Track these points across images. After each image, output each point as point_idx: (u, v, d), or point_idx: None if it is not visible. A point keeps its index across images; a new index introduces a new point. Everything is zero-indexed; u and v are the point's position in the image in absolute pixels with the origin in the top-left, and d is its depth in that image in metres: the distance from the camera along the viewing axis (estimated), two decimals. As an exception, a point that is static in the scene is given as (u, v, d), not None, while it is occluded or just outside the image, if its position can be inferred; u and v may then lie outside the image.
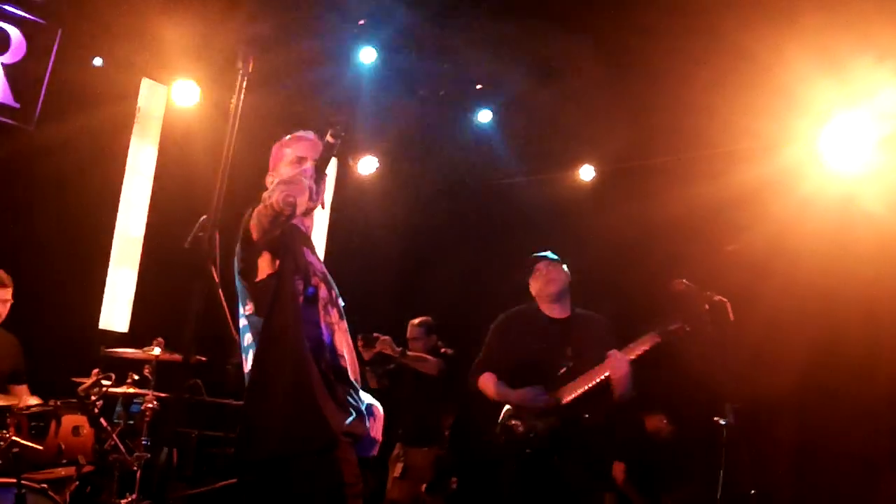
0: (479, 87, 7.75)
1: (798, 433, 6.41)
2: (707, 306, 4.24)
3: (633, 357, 4.41)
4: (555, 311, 4.76)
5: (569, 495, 4.47)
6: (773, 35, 5.65)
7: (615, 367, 4.37)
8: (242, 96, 3.12)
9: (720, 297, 4.28)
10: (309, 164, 3.17)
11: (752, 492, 4.02)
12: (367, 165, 8.45)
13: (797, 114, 6.16)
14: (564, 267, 4.80)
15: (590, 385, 4.46)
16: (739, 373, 4.93)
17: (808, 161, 6.33)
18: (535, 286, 4.79)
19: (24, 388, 5.42)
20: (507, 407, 4.60)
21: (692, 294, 4.30)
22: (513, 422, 4.54)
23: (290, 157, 3.39)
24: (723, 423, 4.24)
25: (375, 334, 5.73)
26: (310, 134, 3.42)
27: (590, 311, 4.87)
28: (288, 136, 3.48)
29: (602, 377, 4.41)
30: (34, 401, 5.24)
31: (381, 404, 3.11)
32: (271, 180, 3.32)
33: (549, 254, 4.84)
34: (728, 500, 4.46)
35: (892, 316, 5.83)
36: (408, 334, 6.35)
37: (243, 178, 6.77)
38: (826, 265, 6.10)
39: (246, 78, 3.18)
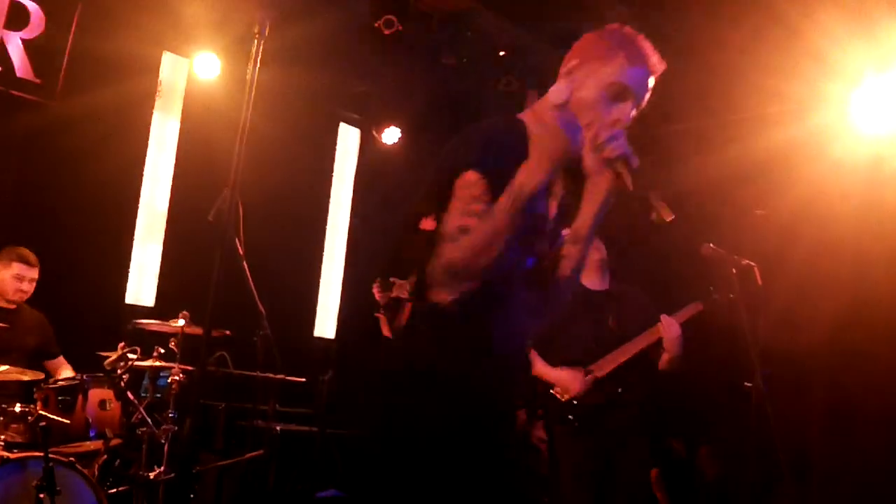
0: (502, 53, 7.64)
1: (829, 396, 6.35)
2: (735, 270, 4.21)
3: (682, 320, 4.46)
4: (595, 283, 4.78)
5: (609, 464, 4.51)
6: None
7: (668, 328, 4.42)
8: (263, 67, 3.09)
9: (748, 261, 4.24)
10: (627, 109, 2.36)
11: (781, 454, 3.98)
12: (391, 135, 8.38)
13: (828, 77, 6.04)
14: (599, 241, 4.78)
15: (636, 352, 4.50)
16: (769, 336, 4.88)
17: (838, 124, 6.22)
18: None
19: (59, 361, 5.47)
20: None
21: (720, 258, 4.27)
22: (556, 389, 4.56)
23: (604, 78, 2.34)
24: (749, 386, 4.20)
25: (392, 279, 5.63)
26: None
27: (626, 283, 4.90)
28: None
29: (652, 341, 4.46)
30: (70, 373, 5.29)
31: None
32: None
33: None
34: (758, 464, 4.42)
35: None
36: None
37: (265, 150, 6.79)
38: (856, 227, 6.04)
39: (262, 45, 3.14)
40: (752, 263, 4.23)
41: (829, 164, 6.15)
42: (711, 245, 4.34)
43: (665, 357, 4.50)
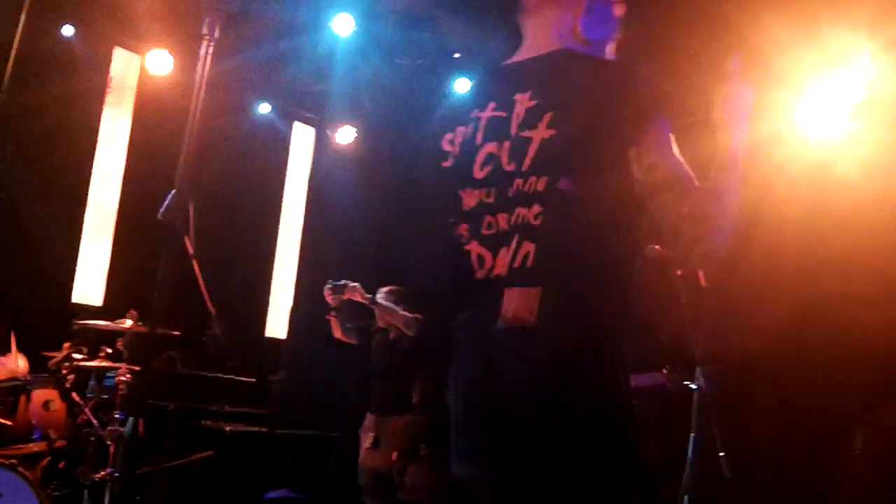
0: (457, 55, 7.67)
1: (774, 397, 6.45)
2: (679, 272, 4.26)
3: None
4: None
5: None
6: (750, 2, 5.64)
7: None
8: (215, 65, 3.07)
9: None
10: None
11: (722, 454, 4.04)
12: (346, 135, 8.37)
13: (774, 83, 6.15)
14: None
15: None
16: (713, 336, 4.95)
17: (784, 129, 6.32)
18: None
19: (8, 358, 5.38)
20: None
21: (665, 260, 4.32)
22: None
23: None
24: (693, 387, 4.25)
25: (345, 281, 5.62)
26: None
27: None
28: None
29: None
30: (23, 361, 5.20)
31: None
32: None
33: None
34: (700, 464, 4.49)
35: (864, 277, 5.87)
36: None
37: (218, 148, 6.74)
38: (802, 232, 6.13)
39: (213, 45, 3.12)
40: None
41: (775, 168, 6.25)
42: (657, 247, 4.38)
43: None
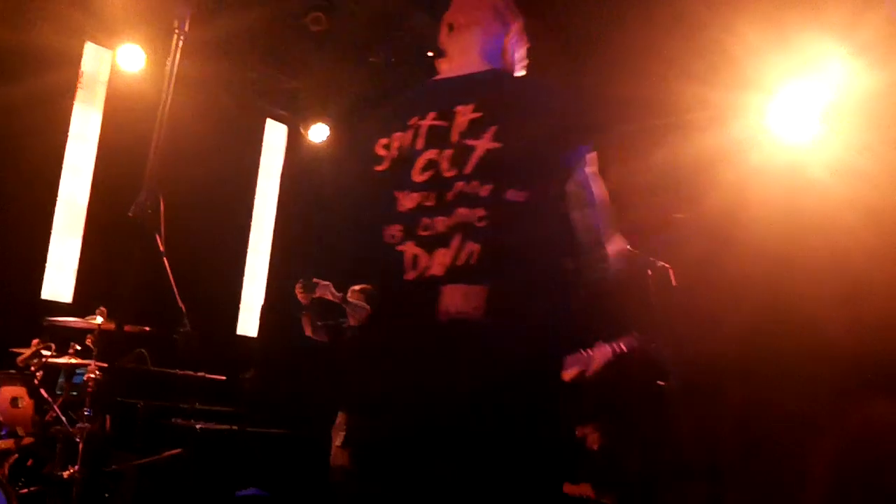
0: (430, 54, 7.66)
1: (743, 396, 6.51)
2: (650, 272, 4.29)
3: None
4: None
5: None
6: (725, 6, 5.69)
7: (594, 362, 4.41)
8: (189, 61, 3.06)
9: (663, 263, 4.32)
10: None
11: (690, 452, 4.08)
12: (319, 133, 8.34)
13: (747, 86, 6.21)
14: None
15: None
16: (682, 337, 4.98)
17: (757, 132, 6.39)
18: None
19: None
20: None
21: (635, 260, 4.34)
22: None
23: None
24: (662, 385, 4.28)
25: (315, 280, 5.62)
26: None
27: None
28: None
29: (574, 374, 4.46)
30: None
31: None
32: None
33: None
34: (668, 463, 4.52)
35: (834, 277, 5.94)
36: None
37: (190, 145, 6.70)
38: (774, 233, 6.20)
39: (183, 41, 3.11)
40: (667, 266, 4.32)
41: (748, 170, 6.31)
42: (628, 247, 4.40)
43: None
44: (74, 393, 5.03)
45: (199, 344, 5.10)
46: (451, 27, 2.43)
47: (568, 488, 5.32)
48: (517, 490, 2.03)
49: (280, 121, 8.77)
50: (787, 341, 6.15)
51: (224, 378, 5.75)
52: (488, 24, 2.43)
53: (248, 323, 8.42)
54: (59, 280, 6.87)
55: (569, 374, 4.45)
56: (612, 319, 4.70)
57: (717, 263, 6.21)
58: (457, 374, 2.05)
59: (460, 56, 2.40)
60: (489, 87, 2.28)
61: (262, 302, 8.49)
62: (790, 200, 6.22)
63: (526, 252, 2.10)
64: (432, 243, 2.12)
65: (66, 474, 4.70)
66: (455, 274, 2.07)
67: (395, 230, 2.17)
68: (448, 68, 2.41)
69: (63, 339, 5.01)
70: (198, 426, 5.80)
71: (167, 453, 5.55)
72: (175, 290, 4.82)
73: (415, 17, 7.06)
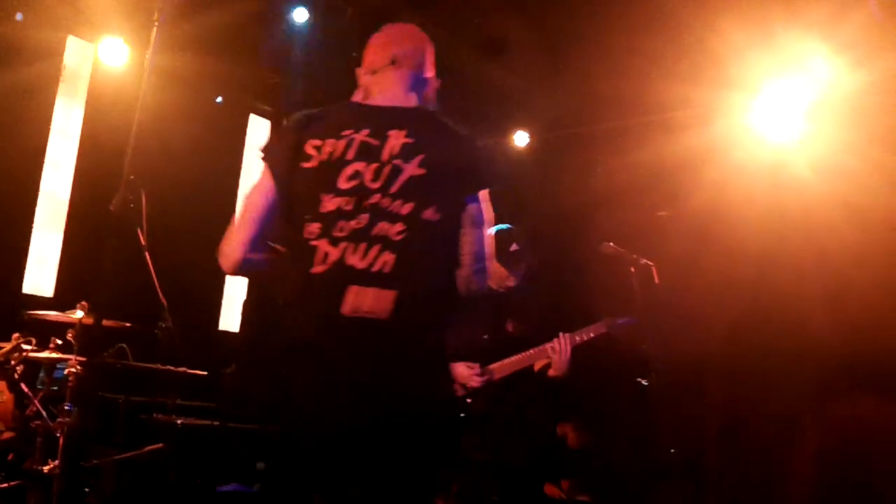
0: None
1: (726, 394, 6.54)
2: (633, 269, 4.29)
3: (577, 343, 4.45)
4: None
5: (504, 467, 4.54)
6: (708, 6, 5.70)
7: (560, 352, 4.41)
8: (172, 55, 3.04)
9: (646, 260, 4.33)
10: None
11: (672, 451, 4.08)
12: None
13: (730, 85, 6.23)
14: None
15: (525, 364, 4.51)
16: (665, 334, 4.99)
17: (740, 130, 6.42)
18: None
19: None
20: None
21: (619, 257, 4.35)
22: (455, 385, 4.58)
23: None
24: (645, 383, 4.28)
25: None
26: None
27: (530, 284, 4.88)
28: None
29: (542, 362, 4.46)
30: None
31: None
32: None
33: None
34: (651, 461, 4.53)
35: (816, 276, 5.98)
36: None
37: (173, 139, 6.66)
38: (758, 231, 6.23)
39: (162, 33, 3.10)
40: (651, 263, 4.33)
41: (732, 169, 6.33)
42: (611, 244, 4.41)
43: (551, 371, 4.50)
44: (55, 388, 5.00)
45: (180, 339, 5.11)
46: (393, 61, 2.66)
47: (548, 488, 5.34)
48: (408, 473, 2.37)
49: (263, 116, 8.73)
50: (770, 339, 6.18)
51: (206, 373, 5.71)
52: (423, 67, 2.71)
53: (230, 318, 8.38)
54: (41, 274, 6.82)
55: (537, 365, 4.49)
56: (581, 309, 4.71)
57: (701, 262, 6.24)
58: (360, 368, 2.34)
59: (393, 87, 2.64)
60: (420, 121, 2.56)
61: (244, 297, 8.45)
62: (774, 199, 6.25)
63: (432, 264, 2.43)
64: (345, 244, 2.38)
65: (46, 469, 4.66)
66: (369, 278, 2.34)
67: (314, 227, 2.41)
68: (381, 97, 2.64)
69: (44, 334, 4.97)
70: (179, 421, 5.76)
71: (148, 448, 5.52)
72: (157, 284, 4.82)
73: (402, 15, 7.04)
